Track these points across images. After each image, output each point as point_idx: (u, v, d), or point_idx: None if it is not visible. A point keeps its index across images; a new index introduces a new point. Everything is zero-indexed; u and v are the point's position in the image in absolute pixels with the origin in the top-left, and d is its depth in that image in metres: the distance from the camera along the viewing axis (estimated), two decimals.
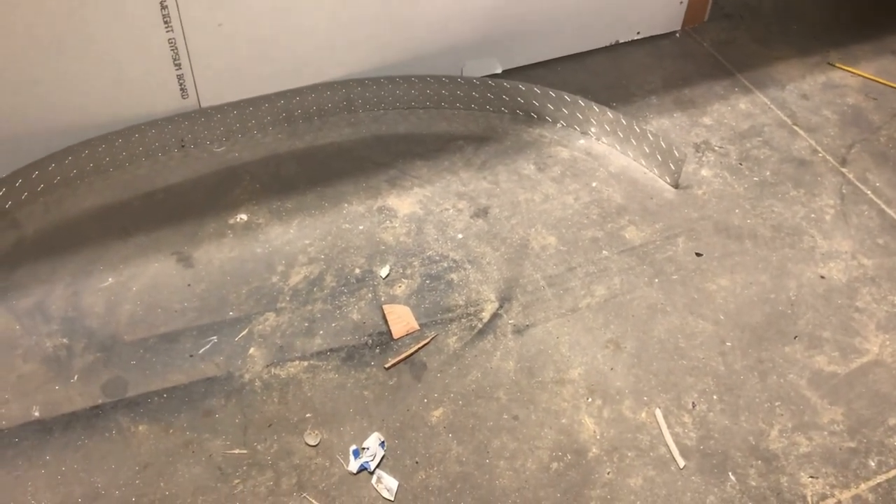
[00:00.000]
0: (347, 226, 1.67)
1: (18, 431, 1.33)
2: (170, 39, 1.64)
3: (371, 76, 1.87)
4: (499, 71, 2.00)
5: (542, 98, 1.88)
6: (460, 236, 1.65)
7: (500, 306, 1.53)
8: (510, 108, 1.92)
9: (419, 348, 1.46)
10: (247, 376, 1.41)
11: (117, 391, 1.39)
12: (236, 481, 1.28)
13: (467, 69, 1.97)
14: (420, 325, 1.50)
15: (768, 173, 1.82)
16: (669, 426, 1.36)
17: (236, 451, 1.31)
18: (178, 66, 1.68)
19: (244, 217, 1.68)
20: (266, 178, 1.76)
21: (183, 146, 1.80)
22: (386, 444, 1.32)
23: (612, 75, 2.07)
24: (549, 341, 1.48)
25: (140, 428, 1.34)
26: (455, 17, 1.89)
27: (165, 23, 1.60)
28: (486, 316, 1.52)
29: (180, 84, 1.72)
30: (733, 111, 1.99)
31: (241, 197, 1.72)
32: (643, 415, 1.38)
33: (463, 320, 1.51)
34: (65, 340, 1.46)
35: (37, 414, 1.36)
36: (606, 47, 2.15)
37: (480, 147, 1.85)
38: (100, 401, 1.38)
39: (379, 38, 1.84)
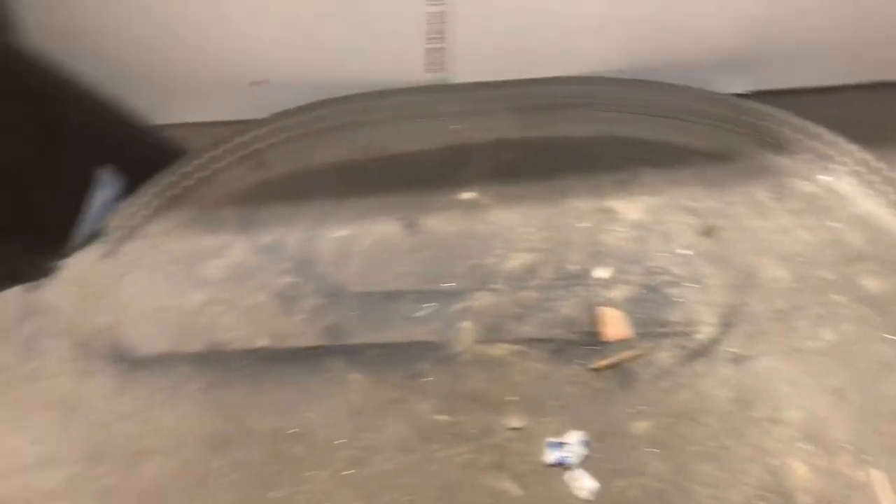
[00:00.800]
0: (570, 221, 1.67)
1: (245, 356, 1.43)
2: (436, 13, 1.69)
3: (617, 76, 1.86)
4: (748, 91, 1.93)
5: (789, 126, 1.80)
6: (685, 252, 1.61)
7: (720, 331, 1.48)
8: (753, 131, 1.85)
9: (630, 357, 1.44)
10: (458, 348, 1.45)
11: (338, 337, 1.46)
12: (437, 446, 1.31)
13: (715, 84, 1.91)
14: (633, 334, 1.47)
15: None
16: (891, 492, 1.27)
17: (441, 418, 1.35)
18: (439, 39, 1.74)
19: (471, 195, 1.72)
20: (497, 162, 1.79)
21: (423, 117, 1.86)
22: (587, 444, 1.31)
23: (868, 114, 1.94)
24: (768, 377, 1.41)
25: (354, 376, 1.40)
26: (712, 30, 1.84)
27: None
28: (703, 338, 1.47)
29: (435, 58, 1.78)
30: None
31: (471, 175, 1.76)
32: (861, 474, 1.29)
33: (678, 338, 1.47)
34: (296, 280, 1.55)
35: (263, 343, 1.45)
36: (868, 84, 2.02)
37: (717, 165, 1.79)
38: (321, 343, 1.45)
39: (635, 39, 1.83)
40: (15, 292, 1.50)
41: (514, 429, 1.33)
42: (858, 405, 1.38)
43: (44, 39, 1.59)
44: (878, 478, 1.28)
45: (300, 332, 1.47)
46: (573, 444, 1.31)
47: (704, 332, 1.48)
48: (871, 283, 1.56)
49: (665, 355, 1.44)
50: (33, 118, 1.47)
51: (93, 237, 1.57)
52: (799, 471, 1.29)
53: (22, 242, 1.52)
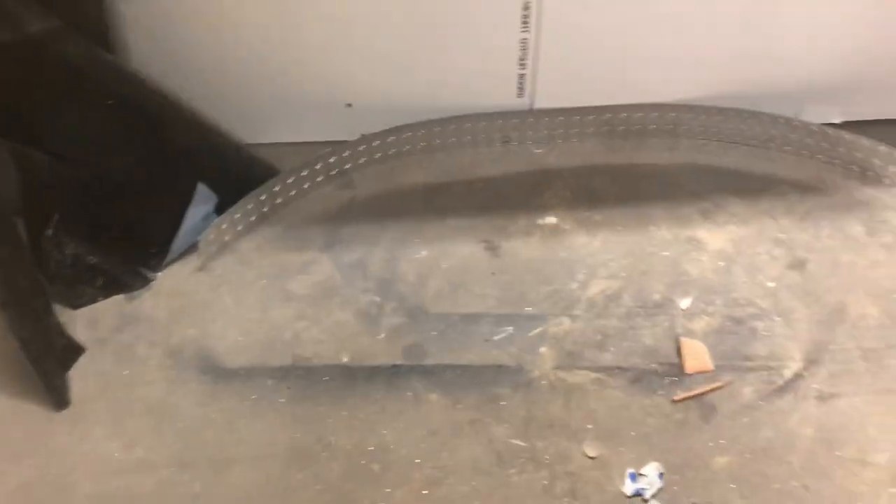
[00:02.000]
0: (652, 249, 1.66)
1: (328, 371, 1.47)
2: (523, 39, 1.71)
3: (702, 104, 1.84)
4: (838, 121, 1.89)
5: (885, 157, 1.75)
6: (771, 285, 1.58)
7: (805, 368, 1.44)
8: (845, 162, 1.80)
9: (712, 389, 1.42)
10: (535, 373, 1.45)
11: (417, 357, 1.48)
12: (512, 471, 1.32)
13: (804, 113, 1.88)
14: (715, 366, 1.45)
15: None
16: None
17: (516, 442, 1.35)
18: (524, 65, 1.76)
19: (553, 220, 1.72)
20: (578, 187, 1.79)
21: (506, 142, 1.88)
22: (664, 476, 1.30)
23: None
24: (855, 417, 1.37)
25: (432, 396, 1.42)
26: (800, 57, 1.80)
27: (524, 23, 1.68)
28: (788, 374, 1.44)
29: (520, 83, 1.79)
30: None
31: (552, 200, 1.77)
32: None
33: (762, 372, 1.44)
34: (377, 299, 1.58)
35: (345, 360, 1.48)
36: None
37: (806, 196, 1.75)
38: (400, 362, 1.48)
39: (717, 68, 1.80)
40: (114, 301, 1.58)
41: (591, 457, 1.33)
42: None
43: (147, 58, 1.68)
44: None
45: (381, 350, 1.50)
46: (650, 475, 1.30)
47: (790, 368, 1.45)
48: None
49: (748, 390, 1.42)
50: (136, 133, 1.55)
51: (187, 251, 1.64)
52: None
53: (122, 253, 1.59)
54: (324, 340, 1.51)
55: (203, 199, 1.63)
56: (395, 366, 1.47)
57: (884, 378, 1.42)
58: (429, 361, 1.48)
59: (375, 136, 1.80)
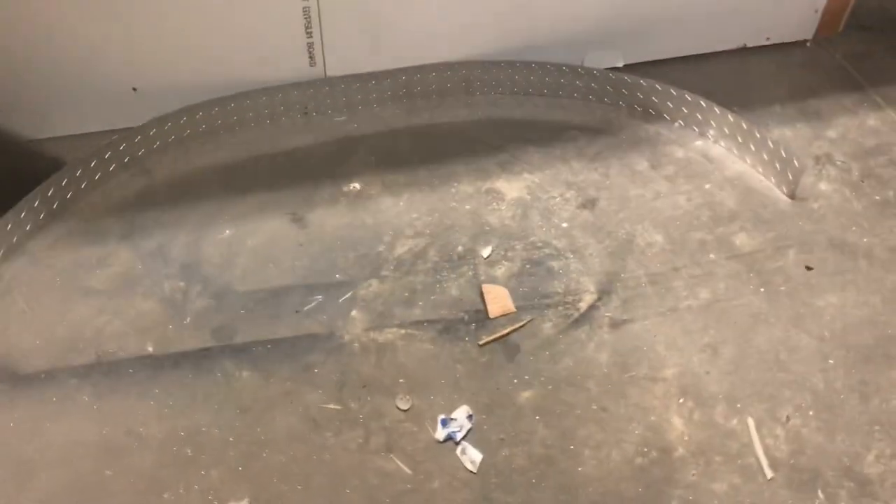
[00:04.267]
0: (455, 204, 1.70)
1: (133, 363, 1.43)
2: (304, 7, 1.70)
3: (491, 59, 1.90)
4: (620, 65, 1.99)
5: (663, 95, 1.87)
6: (565, 225, 1.66)
7: (599, 298, 1.53)
8: (628, 103, 1.91)
9: (514, 330, 1.48)
10: (347, 337, 1.47)
11: (226, 337, 1.47)
12: (328, 434, 1.34)
13: (588, 60, 1.97)
14: (517, 307, 1.52)
15: (892, 194, 1.75)
16: (761, 437, 1.34)
17: (331, 407, 1.37)
18: (310, 34, 1.75)
19: (357, 186, 1.74)
20: (381, 152, 1.82)
21: (306, 113, 1.87)
22: (474, 417, 1.35)
23: (736, 79, 2.03)
24: (646, 338, 1.47)
25: (244, 374, 1.42)
26: (580, 7, 1.89)
27: None
28: (583, 306, 1.52)
29: (309, 52, 1.79)
30: (861, 127, 1.92)
31: (356, 167, 1.78)
32: (735, 422, 1.36)
33: (560, 308, 1.52)
34: (182, 284, 1.55)
35: (150, 349, 1.45)
36: (733, 50, 2.10)
37: (594, 139, 1.85)
38: (209, 344, 1.46)
39: (503, 22, 1.86)
40: None
41: (404, 410, 1.36)
42: (731, 358, 1.45)
43: None
44: (750, 423, 1.36)
45: (188, 335, 1.47)
46: (460, 419, 1.35)
47: (585, 301, 1.53)
48: (742, 241, 1.64)
49: (547, 326, 1.49)
50: None
51: None
52: (677, 425, 1.35)
53: None
54: (128, 332, 1.47)
55: None
56: (203, 349, 1.45)
57: (669, 299, 1.54)
58: (239, 340, 1.46)
59: (167, 118, 1.75)
